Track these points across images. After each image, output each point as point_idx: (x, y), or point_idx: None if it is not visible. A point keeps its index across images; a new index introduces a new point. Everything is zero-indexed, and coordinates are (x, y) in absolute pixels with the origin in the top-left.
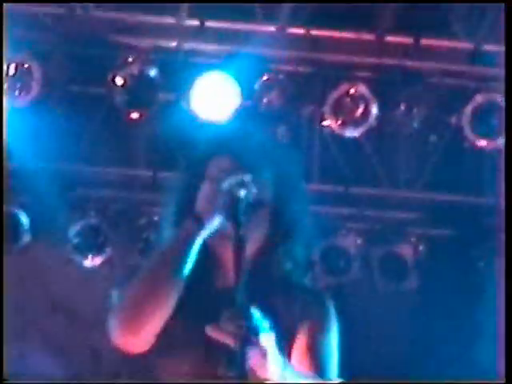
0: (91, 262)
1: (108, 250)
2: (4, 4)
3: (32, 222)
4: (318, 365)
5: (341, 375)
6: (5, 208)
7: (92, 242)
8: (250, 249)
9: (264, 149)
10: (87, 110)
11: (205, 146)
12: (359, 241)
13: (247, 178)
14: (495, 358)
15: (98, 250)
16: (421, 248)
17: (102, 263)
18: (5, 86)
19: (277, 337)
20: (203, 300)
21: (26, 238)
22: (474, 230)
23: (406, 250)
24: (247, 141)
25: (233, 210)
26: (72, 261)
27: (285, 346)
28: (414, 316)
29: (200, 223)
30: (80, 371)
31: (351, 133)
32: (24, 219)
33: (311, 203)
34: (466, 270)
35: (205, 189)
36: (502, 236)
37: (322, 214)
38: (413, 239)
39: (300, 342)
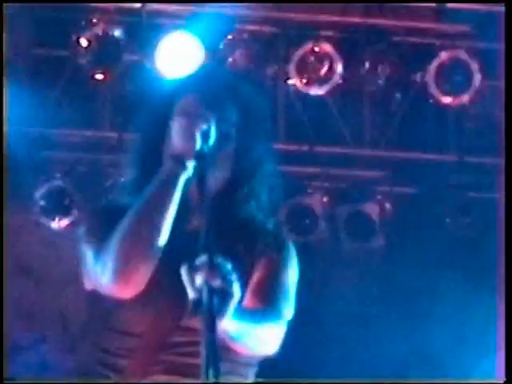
0: (58, 224)
1: (74, 212)
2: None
3: None
4: (266, 298)
5: (297, 316)
6: None
7: (58, 205)
8: (215, 187)
9: (229, 85)
10: (52, 73)
11: (169, 88)
12: (325, 199)
13: (212, 113)
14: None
15: (64, 212)
16: (387, 206)
17: (69, 225)
18: None
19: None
20: (171, 246)
21: None
22: (439, 187)
23: (371, 209)
24: (212, 79)
25: (200, 147)
26: (39, 223)
27: (243, 286)
28: (381, 275)
29: (181, 163)
30: (46, 333)
31: (316, 91)
32: None
33: (277, 162)
34: (432, 227)
35: (179, 126)
36: (467, 193)
37: (288, 173)
38: (379, 197)
39: (253, 278)
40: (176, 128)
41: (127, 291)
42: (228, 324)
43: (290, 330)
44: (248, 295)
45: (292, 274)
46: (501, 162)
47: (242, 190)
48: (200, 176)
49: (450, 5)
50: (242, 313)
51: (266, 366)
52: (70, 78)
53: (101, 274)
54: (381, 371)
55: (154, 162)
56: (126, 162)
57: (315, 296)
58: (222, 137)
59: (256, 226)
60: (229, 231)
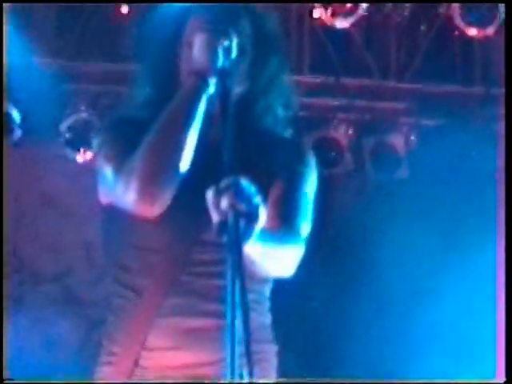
0: (83, 156)
1: None
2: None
3: (23, 118)
4: (285, 218)
5: (314, 228)
6: None
7: (83, 137)
8: (232, 99)
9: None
10: (76, 6)
11: (177, 12)
12: (350, 131)
13: (232, 28)
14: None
15: (88, 144)
16: (412, 138)
17: (94, 157)
18: None
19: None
20: (194, 160)
21: (18, 134)
22: (465, 120)
23: (397, 140)
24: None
25: (222, 62)
26: (63, 156)
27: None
28: (406, 206)
29: (203, 80)
30: (71, 266)
31: (341, 23)
32: (15, 115)
33: (302, 94)
34: (457, 159)
35: (200, 42)
36: (493, 125)
37: (313, 105)
38: (404, 129)
39: (271, 195)
40: (197, 44)
41: (153, 210)
42: (250, 248)
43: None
44: (267, 213)
45: (311, 186)
46: None
47: (259, 104)
48: (223, 92)
49: None
50: (263, 235)
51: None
52: (94, 11)
53: (123, 193)
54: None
55: (168, 79)
56: (139, 78)
57: (340, 228)
58: (238, 51)
59: (275, 138)
60: (249, 146)
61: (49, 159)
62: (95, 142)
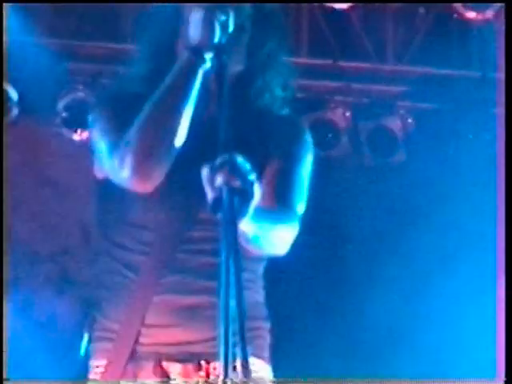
0: (80, 136)
1: None
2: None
3: (20, 96)
4: (281, 196)
5: (309, 209)
6: None
7: (80, 116)
8: (230, 79)
9: None
10: None
11: None
12: (347, 114)
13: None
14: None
15: (86, 123)
16: (409, 121)
17: (89, 133)
18: None
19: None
20: (190, 136)
21: (15, 112)
22: (462, 103)
23: (394, 124)
24: None
25: (218, 38)
26: (61, 134)
27: (259, 181)
28: (402, 189)
29: (199, 55)
30: (68, 245)
31: (339, 5)
32: (13, 93)
33: (300, 76)
34: (454, 142)
35: (197, 17)
36: (491, 109)
37: (311, 87)
38: (401, 112)
39: (266, 172)
40: (194, 19)
41: (147, 186)
42: (245, 226)
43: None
44: (262, 191)
45: (307, 166)
46: None
47: (256, 82)
48: (219, 67)
49: None
50: (259, 213)
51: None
52: None
53: (119, 167)
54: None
55: (165, 55)
56: (137, 54)
57: (335, 210)
58: (236, 28)
59: (272, 117)
60: (245, 124)
61: (46, 138)
62: (90, 116)
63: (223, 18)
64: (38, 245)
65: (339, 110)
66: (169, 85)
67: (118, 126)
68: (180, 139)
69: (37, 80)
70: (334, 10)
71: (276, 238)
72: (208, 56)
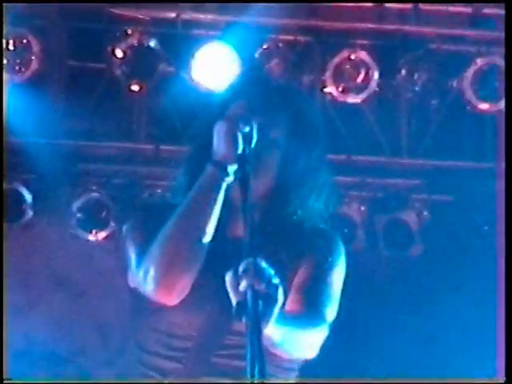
0: (95, 236)
1: (111, 225)
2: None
3: (34, 198)
4: (309, 302)
5: (339, 317)
6: (7, 185)
7: (95, 217)
8: (259, 191)
9: (282, 91)
10: (87, 84)
11: (220, 97)
12: (363, 208)
13: (256, 116)
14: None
15: (101, 224)
16: (425, 214)
17: (106, 238)
18: (4, 61)
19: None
20: (215, 252)
21: (29, 215)
22: (477, 195)
23: (409, 217)
24: (262, 83)
25: (242, 149)
26: (76, 236)
27: (286, 291)
28: (420, 282)
29: (222, 168)
30: (85, 346)
31: (352, 99)
32: (27, 196)
33: (331, 172)
34: (470, 234)
35: (219, 130)
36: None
37: None
38: (416, 205)
39: (296, 280)
40: (217, 132)
41: (170, 298)
42: (271, 330)
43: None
44: (291, 298)
45: (339, 275)
46: None
47: (289, 198)
48: (243, 179)
49: (486, 10)
50: (286, 318)
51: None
52: (106, 90)
53: (143, 280)
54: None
55: (201, 166)
56: (179, 168)
57: (354, 305)
58: (268, 142)
59: (304, 229)
60: (274, 237)
61: (61, 240)
62: (125, 226)
63: (246, 129)
64: (56, 345)
65: (354, 205)
66: (192, 199)
67: (147, 236)
68: (201, 253)
69: (50, 182)
70: (346, 103)
71: (303, 342)
72: (232, 169)
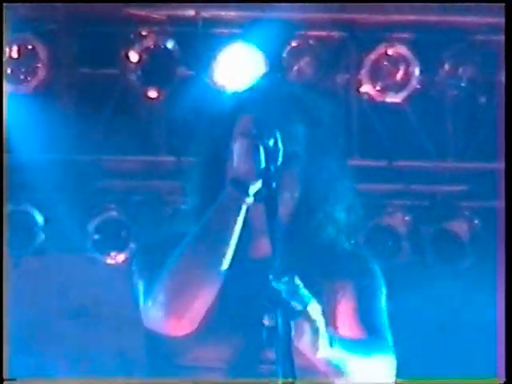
0: (114, 259)
1: (131, 246)
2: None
3: (46, 220)
4: (368, 327)
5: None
6: (15, 207)
7: (113, 238)
8: (284, 210)
9: (295, 99)
10: (99, 93)
11: (228, 105)
12: (407, 218)
13: (276, 130)
14: None
15: (120, 246)
16: (475, 223)
17: (126, 260)
18: (8, 71)
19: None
20: (236, 275)
21: (40, 238)
22: None
23: (459, 226)
24: (274, 92)
25: (265, 167)
26: (93, 260)
27: (327, 315)
28: (471, 298)
29: (242, 187)
30: (106, 373)
31: (392, 99)
32: (38, 217)
33: (353, 180)
34: None
35: (239, 147)
36: None
37: (365, 191)
38: (466, 213)
39: (345, 306)
40: (237, 149)
41: (181, 327)
42: (330, 353)
43: None
44: (347, 324)
45: (383, 299)
46: None
47: (317, 213)
48: (268, 198)
49: None
50: (345, 343)
51: None
52: (121, 98)
53: (152, 307)
54: None
55: (215, 187)
56: (186, 188)
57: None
58: (287, 156)
59: (335, 250)
60: (305, 257)
61: (76, 265)
62: (133, 266)
63: (271, 142)
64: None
65: (398, 215)
66: (206, 223)
67: (155, 270)
68: (219, 277)
69: (63, 202)
70: (385, 103)
71: (372, 369)
72: (253, 189)
